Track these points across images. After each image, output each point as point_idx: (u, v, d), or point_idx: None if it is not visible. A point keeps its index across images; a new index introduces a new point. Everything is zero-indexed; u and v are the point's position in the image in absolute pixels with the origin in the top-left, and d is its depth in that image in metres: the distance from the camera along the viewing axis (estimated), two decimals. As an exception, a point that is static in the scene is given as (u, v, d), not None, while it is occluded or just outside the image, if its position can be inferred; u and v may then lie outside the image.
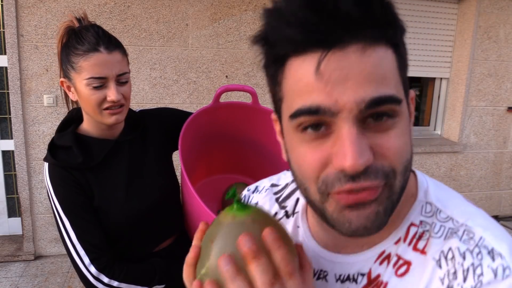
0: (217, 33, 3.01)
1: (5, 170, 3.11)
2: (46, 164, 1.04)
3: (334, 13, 0.36)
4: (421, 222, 0.47)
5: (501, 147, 3.82)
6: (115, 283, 1.01)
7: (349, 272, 0.49)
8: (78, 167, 1.03)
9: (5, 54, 2.80)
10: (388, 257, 0.47)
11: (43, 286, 2.64)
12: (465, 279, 0.41)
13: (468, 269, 0.41)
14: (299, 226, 0.56)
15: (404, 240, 0.47)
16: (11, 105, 2.76)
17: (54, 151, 1.05)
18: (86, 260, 0.99)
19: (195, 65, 3.01)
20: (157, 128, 1.20)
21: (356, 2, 0.36)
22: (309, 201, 0.44)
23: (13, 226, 3.20)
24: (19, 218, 3.14)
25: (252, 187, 0.66)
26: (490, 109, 3.70)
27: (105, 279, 1.00)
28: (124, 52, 1.04)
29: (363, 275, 0.48)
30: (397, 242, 0.47)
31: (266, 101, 3.16)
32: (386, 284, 0.46)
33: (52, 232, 2.99)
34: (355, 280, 0.48)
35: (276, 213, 0.60)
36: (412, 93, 0.47)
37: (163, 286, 1.10)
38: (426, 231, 0.46)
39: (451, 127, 3.76)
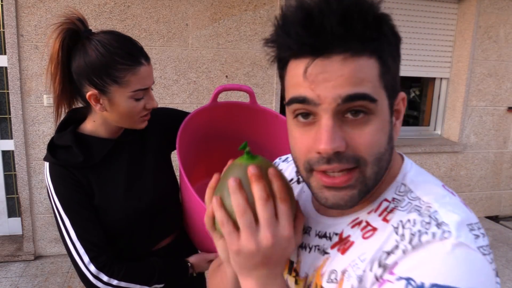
0: (217, 33, 3.01)
1: (5, 170, 3.12)
2: (46, 164, 1.05)
3: (320, 30, 0.46)
4: (393, 199, 0.55)
5: (501, 147, 3.82)
6: (115, 282, 1.01)
7: (326, 231, 0.60)
8: (78, 166, 1.03)
9: (5, 54, 2.81)
10: (359, 223, 0.56)
11: (43, 286, 2.64)
12: (410, 241, 0.48)
13: (414, 234, 0.48)
14: (304, 191, 0.69)
15: (375, 211, 0.55)
16: (11, 105, 2.77)
17: (54, 151, 1.05)
18: (86, 258, 0.99)
19: (195, 65, 3.02)
20: (156, 128, 1.20)
21: (340, 21, 0.45)
22: (300, 175, 0.56)
23: (13, 226, 3.21)
24: (19, 218, 3.14)
25: (284, 157, 0.81)
26: (490, 109, 3.70)
27: (105, 278, 1.00)
28: None
29: (336, 234, 0.58)
30: (369, 212, 0.56)
31: (265, 101, 3.17)
32: (352, 243, 0.55)
33: (52, 232, 2.99)
34: (330, 238, 0.59)
35: (292, 179, 0.74)
36: (402, 94, 0.55)
37: (162, 285, 1.10)
38: (396, 206, 0.54)
39: (451, 127, 3.76)
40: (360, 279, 0.51)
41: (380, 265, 0.49)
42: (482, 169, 3.82)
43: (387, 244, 0.50)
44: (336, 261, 0.56)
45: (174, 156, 1.23)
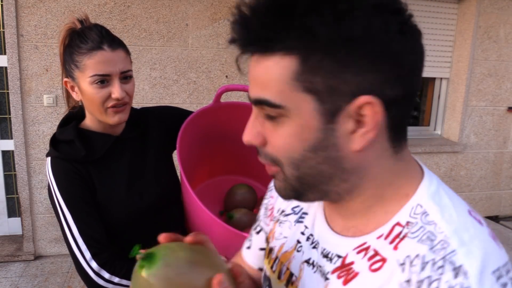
0: (217, 33, 3.01)
1: (5, 170, 3.11)
2: (48, 159, 1.04)
3: (245, 26, 0.44)
4: (407, 222, 0.46)
5: (501, 147, 3.83)
6: (116, 279, 1.00)
7: (330, 251, 0.53)
8: (81, 160, 1.03)
9: (5, 54, 2.80)
10: (366, 249, 0.48)
11: (43, 286, 2.64)
12: None
13: (422, 281, 0.40)
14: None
15: (386, 238, 0.47)
16: (11, 105, 2.76)
17: (56, 145, 1.05)
18: (88, 255, 0.98)
19: (195, 65, 3.01)
20: (158, 126, 1.20)
21: (252, 14, 0.43)
22: None
23: (13, 226, 3.20)
24: (19, 218, 3.13)
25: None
26: (490, 109, 3.70)
27: (106, 275, 0.99)
28: (127, 51, 1.05)
29: (339, 257, 0.51)
30: (379, 237, 0.48)
31: (266, 101, 3.16)
32: (356, 274, 0.48)
33: (52, 232, 2.99)
34: (331, 260, 0.52)
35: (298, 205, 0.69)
36: (365, 98, 0.42)
37: None
38: (408, 232, 0.46)
39: (451, 127, 3.76)
40: None
41: None
42: (482, 169, 3.82)
43: (389, 285, 0.43)
44: None
45: (175, 156, 1.23)
